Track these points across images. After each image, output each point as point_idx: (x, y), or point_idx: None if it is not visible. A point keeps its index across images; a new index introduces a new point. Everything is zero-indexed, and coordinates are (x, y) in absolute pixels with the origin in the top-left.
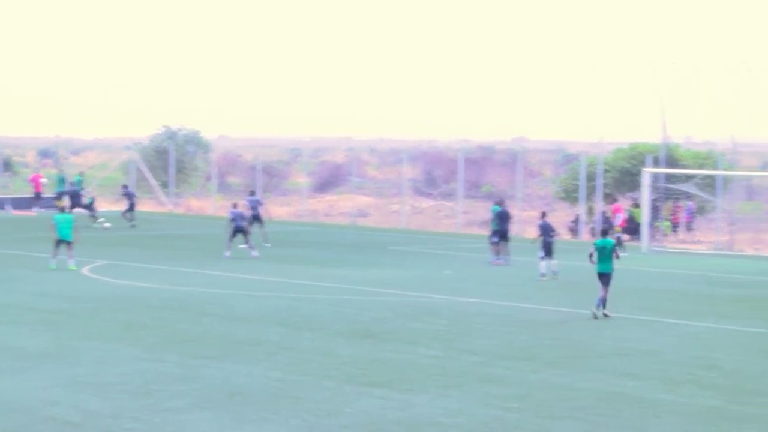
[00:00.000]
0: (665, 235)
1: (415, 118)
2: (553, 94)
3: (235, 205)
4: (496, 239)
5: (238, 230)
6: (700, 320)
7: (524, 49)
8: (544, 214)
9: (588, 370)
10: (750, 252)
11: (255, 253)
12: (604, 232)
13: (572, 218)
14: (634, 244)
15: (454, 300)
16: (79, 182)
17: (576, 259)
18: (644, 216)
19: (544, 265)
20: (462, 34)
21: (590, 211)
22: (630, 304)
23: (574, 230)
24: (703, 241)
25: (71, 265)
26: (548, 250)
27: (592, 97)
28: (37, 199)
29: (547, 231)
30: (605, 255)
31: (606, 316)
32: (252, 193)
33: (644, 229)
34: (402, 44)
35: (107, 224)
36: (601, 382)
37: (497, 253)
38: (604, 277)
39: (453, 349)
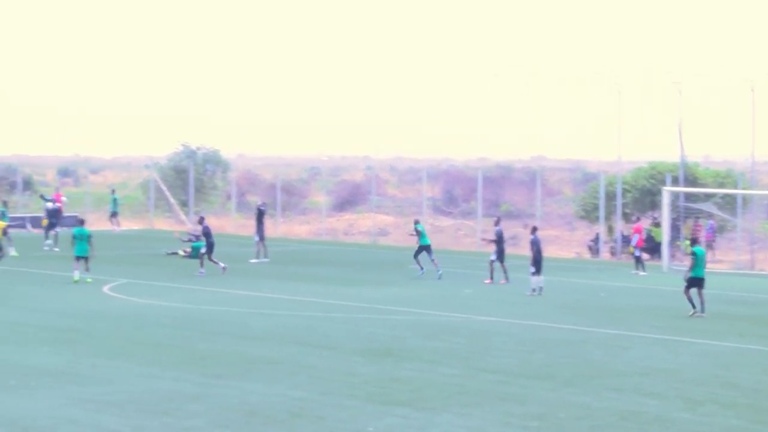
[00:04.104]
0: (686, 254)
1: (433, 136)
2: (572, 112)
3: (202, 219)
4: (494, 258)
5: (212, 247)
6: (719, 339)
7: (542, 67)
8: (534, 229)
9: (607, 389)
10: None
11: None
12: (695, 241)
13: (592, 237)
14: (654, 263)
15: (473, 318)
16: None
17: (596, 278)
18: (665, 235)
19: (534, 280)
20: (481, 53)
21: (610, 231)
22: (649, 323)
23: (593, 249)
24: (724, 260)
25: (86, 277)
26: (538, 265)
27: (611, 115)
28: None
29: (537, 246)
30: (704, 262)
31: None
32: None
33: (665, 249)
34: (420, 63)
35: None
36: (621, 401)
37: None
38: (703, 282)
39: (472, 367)
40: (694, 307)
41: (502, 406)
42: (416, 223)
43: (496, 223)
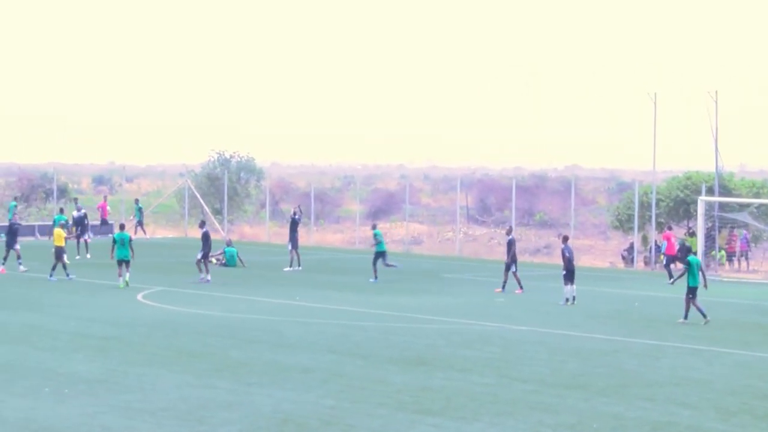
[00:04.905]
0: (720, 264)
1: (467, 146)
2: (605, 122)
3: (203, 224)
4: (515, 268)
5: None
6: (753, 350)
7: (575, 77)
8: (566, 239)
9: (640, 398)
10: None
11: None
12: (689, 250)
13: (626, 247)
14: None
15: (506, 327)
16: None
17: (630, 288)
18: (699, 245)
19: (567, 290)
20: (512, 63)
21: (644, 240)
22: (682, 333)
23: (627, 259)
24: (759, 270)
25: (126, 277)
26: (570, 274)
27: (646, 125)
28: (103, 225)
29: (569, 256)
30: (698, 271)
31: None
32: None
33: (700, 259)
34: (454, 73)
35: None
36: (654, 411)
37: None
38: (696, 291)
39: (505, 376)
40: (705, 316)
41: (535, 415)
42: (374, 228)
43: (508, 233)
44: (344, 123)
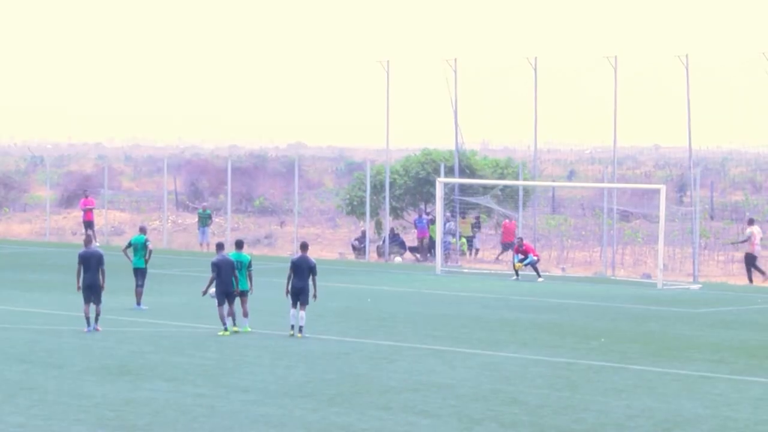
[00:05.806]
0: (462, 254)
1: (175, 121)
2: (332, 94)
3: None
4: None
5: None
6: (499, 349)
7: (301, 44)
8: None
9: (374, 407)
10: (556, 272)
11: None
12: (239, 245)
13: (357, 235)
14: (428, 264)
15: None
16: None
17: (362, 282)
18: (438, 232)
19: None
20: (232, 29)
21: (378, 227)
22: (421, 332)
23: (358, 249)
24: (504, 260)
25: None
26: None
27: (378, 97)
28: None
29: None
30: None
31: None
32: None
33: (438, 248)
34: (155, 49)
35: None
36: (389, 420)
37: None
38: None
39: (222, 386)
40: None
41: (257, 429)
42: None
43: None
44: (29, 95)
